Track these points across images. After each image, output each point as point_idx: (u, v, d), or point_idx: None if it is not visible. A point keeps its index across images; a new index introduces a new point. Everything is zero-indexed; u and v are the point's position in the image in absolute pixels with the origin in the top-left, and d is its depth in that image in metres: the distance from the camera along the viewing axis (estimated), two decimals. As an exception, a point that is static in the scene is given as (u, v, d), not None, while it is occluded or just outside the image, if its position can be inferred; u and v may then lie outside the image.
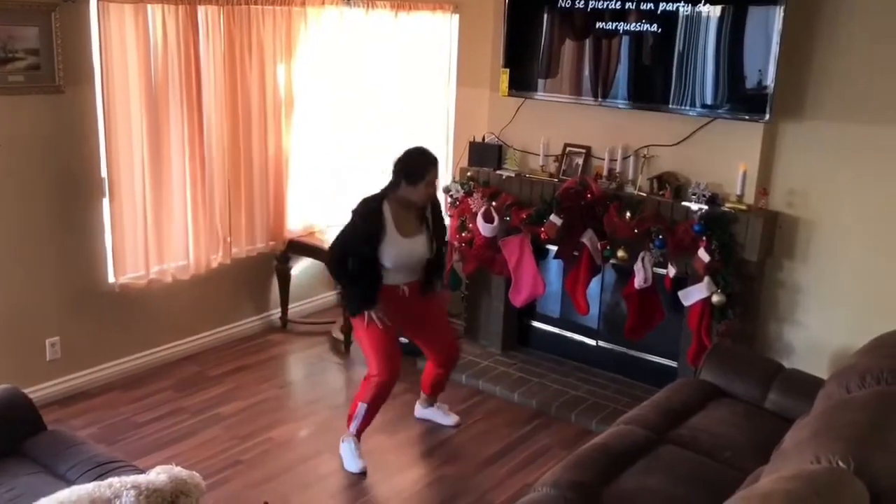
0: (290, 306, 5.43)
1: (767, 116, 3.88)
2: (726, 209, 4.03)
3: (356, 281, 3.74)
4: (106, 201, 4.33)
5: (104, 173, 4.29)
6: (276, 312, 5.44)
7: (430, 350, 4.11)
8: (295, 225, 5.33)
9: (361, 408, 3.81)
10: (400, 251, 3.71)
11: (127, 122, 4.28)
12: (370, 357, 3.78)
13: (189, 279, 4.73)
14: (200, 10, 4.44)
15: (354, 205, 3.76)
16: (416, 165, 3.68)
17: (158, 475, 2.30)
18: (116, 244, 4.38)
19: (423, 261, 3.83)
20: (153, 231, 4.49)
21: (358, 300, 3.74)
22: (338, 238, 3.79)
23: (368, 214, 3.69)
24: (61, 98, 4.05)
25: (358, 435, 3.87)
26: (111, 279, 4.44)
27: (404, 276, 3.80)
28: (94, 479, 2.41)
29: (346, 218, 3.79)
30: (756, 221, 3.98)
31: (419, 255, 3.79)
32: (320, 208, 5.47)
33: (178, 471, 2.35)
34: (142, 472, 2.45)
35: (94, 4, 4.06)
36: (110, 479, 2.26)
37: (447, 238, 4.26)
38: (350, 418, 3.88)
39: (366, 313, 3.70)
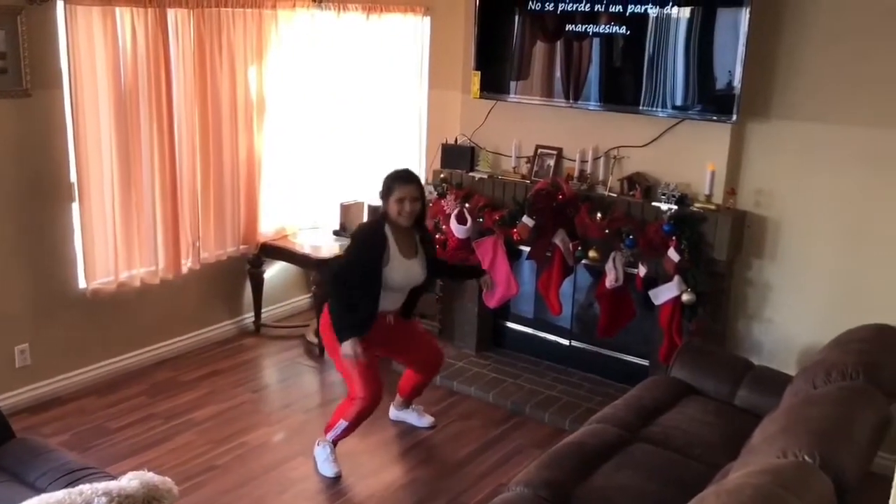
0: (263, 310, 5.41)
1: (735, 117, 3.93)
2: (695, 209, 4.08)
3: (354, 308, 3.68)
4: (75, 205, 4.29)
5: (73, 177, 4.25)
6: (249, 316, 5.41)
7: (415, 365, 4.14)
8: (267, 228, 5.31)
9: (342, 424, 3.81)
10: (405, 272, 3.73)
11: (96, 126, 4.25)
12: (354, 381, 3.73)
13: (160, 284, 4.70)
14: (170, 13, 4.42)
15: (354, 230, 3.81)
16: (385, 182, 3.73)
17: (130, 481, 2.28)
18: (87, 249, 4.34)
19: (415, 286, 3.85)
20: (123, 235, 4.46)
21: (349, 324, 3.64)
22: (343, 263, 3.79)
23: (373, 235, 3.70)
24: (28, 102, 4.01)
25: (334, 443, 3.87)
26: (82, 284, 4.40)
27: (394, 302, 3.82)
28: (65, 487, 2.38)
29: (336, 242, 3.80)
30: (724, 221, 4.02)
31: (417, 277, 3.80)
32: (293, 211, 5.45)
33: (150, 476, 2.32)
34: (113, 478, 2.43)
35: (62, 7, 4.02)
36: (81, 487, 2.23)
37: (435, 223, 4.42)
38: (329, 428, 3.87)
39: (350, 343, 3.60)
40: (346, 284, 3.67)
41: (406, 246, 3.76)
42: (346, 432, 3.84)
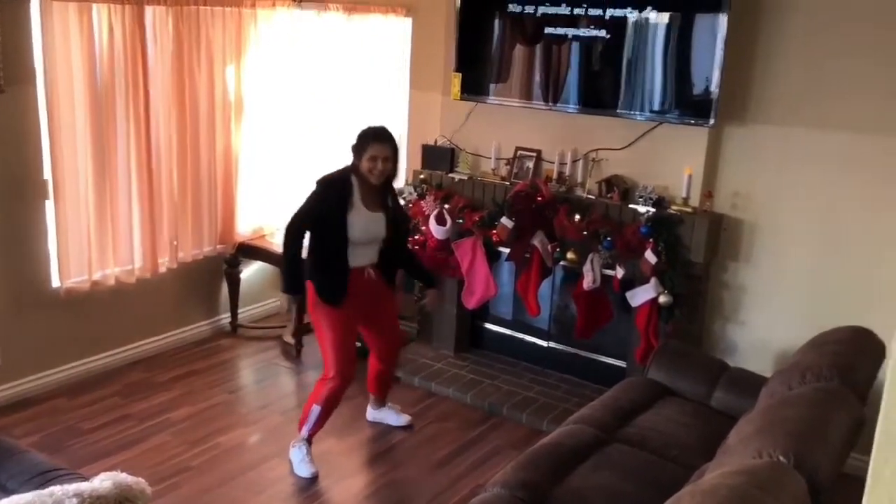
0: (240, 311, 5.37)
1: (712, 121, 3.96)
2: (672, 212, 4.10)
3: (326, 265, 3.72)
4: (49, 203, 4.24)
5: (47, 175, 4.20)
6: (225, 317, 5.37)
7: (377, 342, 4.10)
8: (244, 228, 5.28)
9: (315, 410, 3.79)
10: (366, 223, 3.72)
11: (71, 123, 4.20)
12: (328, 356, 3.77)
13: (136, 283, 4.66)
14: (148, 10, 4.39)
15: (318, 178, 3.74)
16: (360, 139, 3.72)
17: (103, 482, 2.25)
18: (61, 247, 4.29)
19: (380, 240, 3.82)
20: (98, 234, 4.42)
21: (292, 276, 3.74)
22: (300, 208, 3.75)
23: (337, 182, 3.70)
24: (1, 98, 3.96)
25: (309, 439, 3.85)
26: (55, 283, 4.34)
27: (367, 256, 3.80)
28: (36, 489, 2.35)
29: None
30: (701, 224, 4.05)
31: (379, 232, 3.79)
32: (270, 211, 5.42)
33: (123, 477, 2.29)
34: (86, 479, 2.40)
35: (36, 3, 3.98)
36: (52, 488, 2.20)
37: (410, 225, 4.36)
38: (302, 422, 3.85)
39: (287, 298, 3.75)
40: (297, 232, 3.69)
41: (371, 200, 3.74)
42: (320, 421, 3.82)
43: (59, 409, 4.24)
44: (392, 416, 4.30)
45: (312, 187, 3.75)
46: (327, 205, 3.68)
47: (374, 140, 3.69)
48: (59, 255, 4.30)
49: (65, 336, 4.48)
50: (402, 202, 4.29)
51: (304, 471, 3.78)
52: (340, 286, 3.71)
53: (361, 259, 3.78)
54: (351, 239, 3.69)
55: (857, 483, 1.12)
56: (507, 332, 5.06)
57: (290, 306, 3.77)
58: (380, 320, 4.00)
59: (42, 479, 2.55)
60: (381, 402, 4.31)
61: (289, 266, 3.77)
